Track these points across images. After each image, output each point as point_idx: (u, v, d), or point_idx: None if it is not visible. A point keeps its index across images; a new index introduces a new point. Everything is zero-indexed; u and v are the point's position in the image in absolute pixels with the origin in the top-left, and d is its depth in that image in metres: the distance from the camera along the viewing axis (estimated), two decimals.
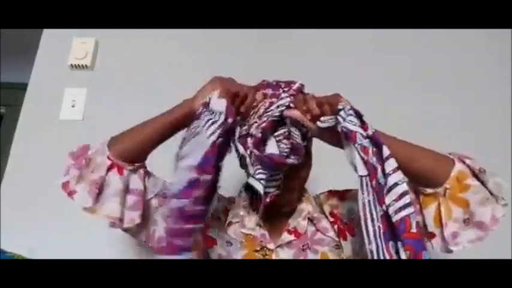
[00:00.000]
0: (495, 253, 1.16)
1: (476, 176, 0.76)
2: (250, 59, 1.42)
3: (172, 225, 0.72)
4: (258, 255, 0.83)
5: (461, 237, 0.76)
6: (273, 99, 0.79)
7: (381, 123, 1.40)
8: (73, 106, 1.36)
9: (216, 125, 0.74)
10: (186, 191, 0.71)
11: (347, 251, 0.85)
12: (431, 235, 0.77)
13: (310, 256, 0.83)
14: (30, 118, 1.35)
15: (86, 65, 1.40)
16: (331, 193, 0.92)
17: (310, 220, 0.87)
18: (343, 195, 0.91)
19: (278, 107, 0.78)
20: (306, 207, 0.88)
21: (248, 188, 0.91)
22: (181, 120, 0.80)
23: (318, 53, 1.45)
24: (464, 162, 0.77)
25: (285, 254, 0.83)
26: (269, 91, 0.82)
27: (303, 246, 0.84)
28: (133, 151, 0.82)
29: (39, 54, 1.43)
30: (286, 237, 0.85)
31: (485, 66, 1.42)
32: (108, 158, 0.80)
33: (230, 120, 0.75)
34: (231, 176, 1.26)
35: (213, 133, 0.73)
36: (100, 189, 0.78)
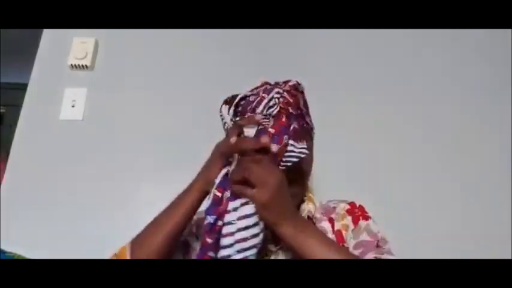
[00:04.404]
0: (495, 253, 1.16)
1: None
2: (251, 59, 1.42)
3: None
4: (258, 257, 0.83)
5: None
6: (264, 95, 0.80)
7: (381, 121, 1.41)
8: (73, 106, 1.36)
9: None
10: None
11: None
12: None
13: None
14: (30, 118, 1.35)
15: (86, 65, 1.40)
16: (351, 209, 0.87)
17: (310, 219, 0.87)
18: (357, 218, 0.85)
19: (269, 100, 0.79)
20: (307, 206, 0.88)
21: None
22: (202, 198, 0.78)
23: (319, 53, 1.45)
24: None
25: (285, 255, 0.82)
26: (267, 86, 0.83)
27: None
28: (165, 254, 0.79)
29: (39, 54, 1.43)
30: None
31: (485, 66, 1.42)
32: None
33: None
34: None
35: None
36: None
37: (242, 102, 0.83)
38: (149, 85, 1.40)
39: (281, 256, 0.82)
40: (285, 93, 0.81)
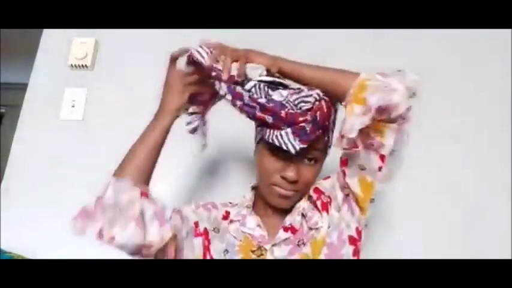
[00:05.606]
0: (495, 253, 1.16)
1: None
2: None
3: None
4: (254, 256, 0.85)
5: (354, 124, 0.77)
6: (305, 88, 0.83)
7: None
8: (73, 106, 1.36)
9: None
10: None
11: (325, 225, 0.86)
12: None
13: (304, 250, 0.84)
14: (30, 118, 1.35)
15: (86, 65, 1.40)
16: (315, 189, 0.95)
17: (304, 216, 0.88)
18: (328, 177, 0.94)
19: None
20: (302, 204, 0.90)
21: (254, 188, 0.94)
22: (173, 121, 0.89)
23: (320, 53, 1.45)
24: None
25: (280, 251, 0.84)
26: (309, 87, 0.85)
27: (298, 242, 0.85)
28: (146, 171, 0.85)
29: (39, 54, 1.43)
30: (282, 234, 0.86)
31: (485, 66, 1.42)
32: (133, 188, 0.79)
33: None
34: (234, 182, 1.26)
35: None
36: (143, 220, 0.77)
37: (281, 87, 0.83)
38: (149, 85, 1.39)
39: (276, 252, 0.84)
40: (323, 101, 0.82)
